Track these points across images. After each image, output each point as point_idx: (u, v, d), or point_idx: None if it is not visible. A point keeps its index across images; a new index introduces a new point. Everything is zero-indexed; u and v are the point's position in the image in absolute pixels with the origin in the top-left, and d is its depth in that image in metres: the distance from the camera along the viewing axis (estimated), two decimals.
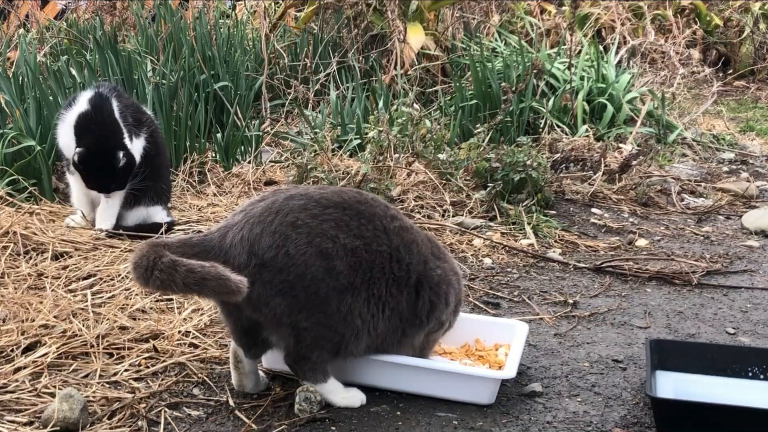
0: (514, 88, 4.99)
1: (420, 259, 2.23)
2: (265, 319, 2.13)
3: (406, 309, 2.22)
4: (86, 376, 2.31)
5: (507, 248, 3.56)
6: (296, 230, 2.08)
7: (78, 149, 3.28)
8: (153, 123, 3.60)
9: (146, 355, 2.43)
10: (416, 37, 5.92)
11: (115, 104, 3.40)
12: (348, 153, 4.69)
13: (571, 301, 3.05)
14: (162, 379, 2.31)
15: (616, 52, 6.17)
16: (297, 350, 2.15)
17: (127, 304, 2.74)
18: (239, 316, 2.17)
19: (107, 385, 2.26)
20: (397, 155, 4.36)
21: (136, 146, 3.46)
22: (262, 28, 6.14)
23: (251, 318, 2.15)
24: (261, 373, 2.31)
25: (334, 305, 2.11)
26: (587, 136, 5.00)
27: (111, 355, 2.43)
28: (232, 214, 2.19)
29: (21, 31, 6.33)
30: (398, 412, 2.19)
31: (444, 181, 4.22)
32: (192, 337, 2.54)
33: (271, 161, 4.74)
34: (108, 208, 3.46)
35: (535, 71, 5.26)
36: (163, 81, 4.76)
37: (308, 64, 5.86)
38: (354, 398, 2.21)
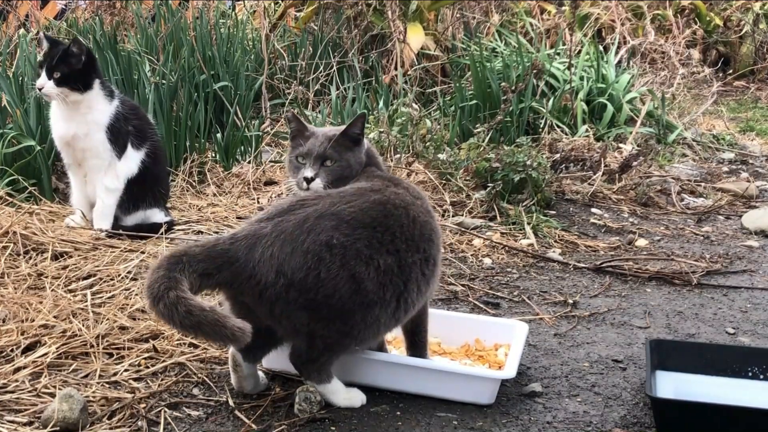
0: (514, 88, 4.99)
1: (438, 243, 2.26)
2: (284, 330, 2.15)
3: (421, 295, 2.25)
4: (86, 376, 2.31)
5: (507, 248, 3.56)
6: (331, 251, 2.06)
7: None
8: (155, 135, 3.62)
9: (146, 355, 2.43)
10: (416, 37, 5.92)
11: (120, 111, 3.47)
12: None
13: (571, 301, 3.05)
14: (162, 379, 2.31)
15: (616, 52, 6.17)
16: (308, 354, 2.16)
17: (127, 304, 2.73)
18: (248, 320, 2.13)
19: (107, 385, 2.26)
20: (397, 155, 4.36)
21: (136, 158, 3.52)
22: (262, 28, 6.14)
23: (265, 325, 2.14)
24: (260, 374, 2.31)
25: (359, 317, 2.12)
26: (587, 136, 5.00)
27: (111, 355, 2.43)
28: (257, 218, 2.15)
29: (21, 31, 6.32)
30: (398, 412, 2.19)
31: (444, 181, 4.22)
32: (192, 337, 2.54)
33: (271, 161, 4.74)
34: (105, 208, 3.47)
35: (534, 71, 5.26)
36: (163, 81, 4.76)
37: (308, 64, 5.86)
38: (355, 398, 2.21)
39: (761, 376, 2.40)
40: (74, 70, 3.34)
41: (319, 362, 2.16)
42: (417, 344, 2.40)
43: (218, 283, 2.09)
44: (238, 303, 2.15)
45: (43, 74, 3.32)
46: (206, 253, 2.06)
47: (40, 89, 3.33)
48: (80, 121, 3.39)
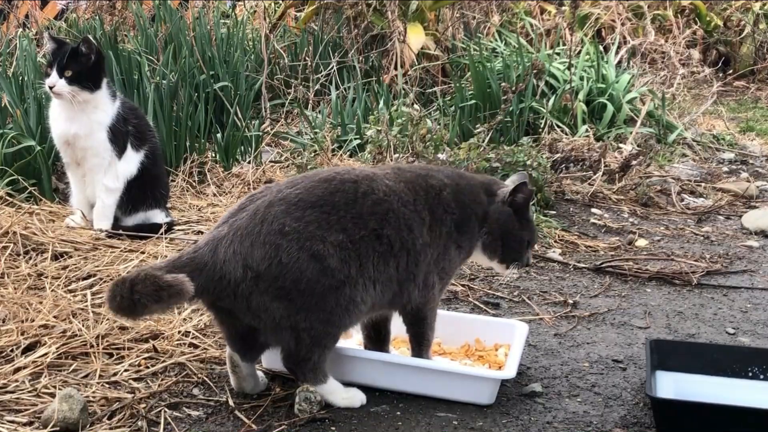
0: (514, 88, 4.99)
1: (399, 224, 2.20)
2: (264, 325, 2.14)
3: (400, 273, 2.22)
4: (86, 376, 2.31)
5: None
6: (285, 238, 2.08)
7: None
8: (154, 136, 3.63)
9: (146, 355, 2.43)
10: (416, 37, 5.92)
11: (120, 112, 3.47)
12: (348, 153, 4.69)
13: (571, 301, 3.05)
14: (162, 379, 2.31)
15: (616, 52, 6.17)
16: (297, 352, 2.15)
17: None
18: (234, 324, 2.18)
19: (107, 385, 2.26)
20: (397, 155, 4.36)
21: (135, 159, 3.52)
22: (262, 28, 6.14)
23: (249, 325, 2.15)
24: (260, 374, 2.31)
25: (332, 301, 2.11)
26: (587, 136, 5.00)
27: (111, 355, 2.43)
28: (216, 226, 2.18)
29: (21, 31, 6.32)
30: (398, 412, 2.19)
31: None
32: (192, 337, 2.54)
33: (271, 161, 4.74)
34: (104, 208, 3.47)
35: (534, 71, 5.26)
36: (163, 81, 4.76)
37: (308, 65, 5.86)
38: (354, 398, 2.21)
39: (761, 376, 2.40)
40: (85, 68, 3.35)
41: (311, 361, 2.15)
42: (414, 341, 2.39)
43: (197, 293, 2.07)
44: (219, 311, 2.17)
45: (54, 73, 3.31)
46: (171, 266, 2.07)
47: (51, 87, 3.32)
48: (83, 120, 3.39)
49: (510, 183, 2.44)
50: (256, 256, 2.07)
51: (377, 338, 2.43)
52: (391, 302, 2.28)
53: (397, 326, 2.42)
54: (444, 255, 2.31)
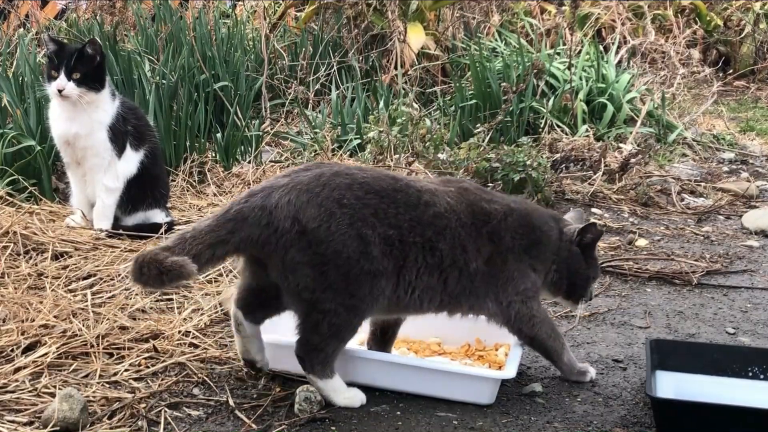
0: (514, 88, 4.99)
1: (454, 243, 2.22)
2: (288, 288, 2.15)
3: (450, 288, 2.24)
4: (86, 376, 2.31)
5: None
6: (341, 209, 2.10)
7: None
8: (154, 136, 3.63)
9: (146, 355, 2.43)
10: (416, 37, 5.92)
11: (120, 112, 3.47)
12: (348, 153, 4.69)
13: None
14: (162, 379, 2.31)
15: (616, 52, 6.17)
16: (311, 339, 2.15)
17: (127, 304, 2.74)
18: (259, 277, 2.20)
19: (107, 385, 2.26)
20: (397, 155, 4.36)
21: (135, 159, 3.52)
22: (262, 28, 6.14)
23: (274, 284, 2.17)
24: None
25: (366, 288, 2.13)
26: (587, 136, 5.00)
27: (111, 355, 2.43)
28: (275, 177, 2.21)
29: (21, 30, 6.32)
30: (398, 412, 2.19)
31: None
32: (192, 337, 2.54)
33: (271, 161, 4.74)
34: (104, 207, 3.47)
35: (535, 71, 5.26)
36: (163, 81, 4.76)
37: (308, 65, 5.86)
38: (355, 398, 2.21)
39: (761, 376, 2.40)
40: (91, 69, 3.35)
41: (324, 352, 2.15)
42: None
43: (235, 247, 2.12)
44: (252, 262, 2.19)
45: (62, 75, 3.31)
46: (216, 222, 2.11)
47: (60, 91, 3.31)
48: (84, 120, 3.39)
49: (570, 219, 2.44)
50: (309, 214, 2.09)
51: (382, 338, 2.44)
52: (445, 309, 2.31)
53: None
54: (521, 278, 2.30)
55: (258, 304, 2.25)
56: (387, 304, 2.22)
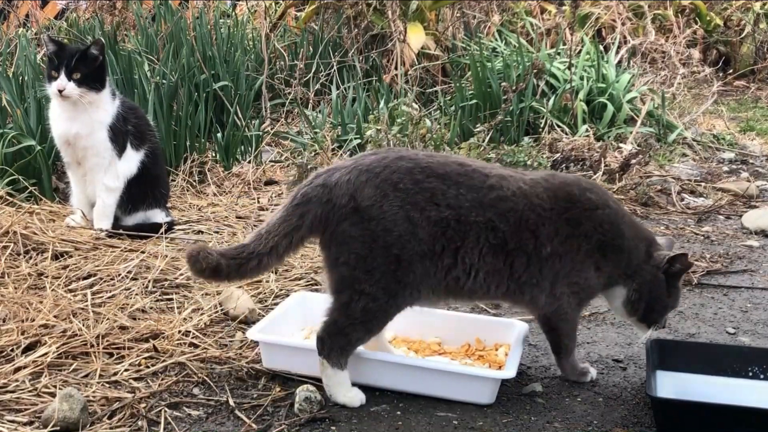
0: (514, 88, 4.99)
1: (520, 225, 2.22)
2: (329, 260, 2.19)
3: (516, 271, 2.25)
4: (86, 376, 2.31)
5: None
6: (395, 191, 2.15)
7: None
8: (154, 136, 3.63)
9: (146, 355, 2.43)
10: (416, 37, 5.92)
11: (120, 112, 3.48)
12: (348, 153, 4.69)
13: None
14: (162, 379, 2.31)
15: (617, 52, 6.17)
16: (339, 320, 2.17)
17: (127, 304, 2.74)
18: None
19: (107, 385, 2.26)
20: None
21: (135, 158, 3.53)
22: (262, 28, 6.15)
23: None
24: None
25: (412, 274, 2.16)
26: (587, 135, 5.00)
27: (111, 355, 2.43)
28: (343, 160, 2.29)
29: (21, 30, 6.33)
30: (398, 412, 2.19)
31: None
32: (192, 337, 2.54)
33: (271, 161, 4.74)
34: (105, 207, 3.48)
35: (535, 71, 5.26)
36: (163, 81, 4.76)
37: (306, 65, 5.86)
38: (354, 398, 2.21)
39: (761, 376, 2.40)
40: (92, 69, 3.36)
41: (347, 338, 2.17)
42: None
43: (308, 229, 2.18)
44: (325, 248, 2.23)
45: (62, 76, 3.31)
46: (286, 211, 2.19)
47: (61, 91, 3.32)
48: (84, 119, 3.39)
49: (663, 246, 2.41)
50: (365, 193, 2.15)
51: None
52: (510, 298, 2.32)
53: (397, 326, 2.42)
54: (579, 270, 2.29)
55: None
56: (443, 289, 2.23)
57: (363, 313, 2.15)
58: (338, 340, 2.17)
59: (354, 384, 2.25)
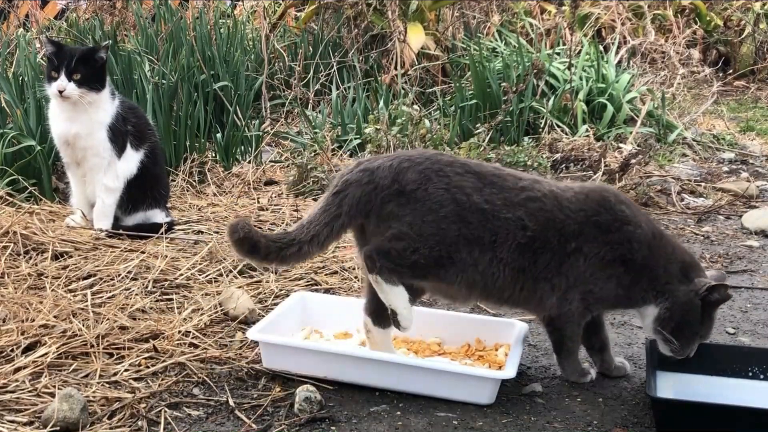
0: (514, 88, 4.99)
1: (548, 225, 2.25)
2: (382, 231, 2.23)
3: (538, 268, 2.27)
4: (86, 376, 2.31)
5: None
6: (438, 175, 2.23)
7: None
8: (154, 136, 3.63)
9: (146, 355, 2.43)
10: (416, 37, 5.92)
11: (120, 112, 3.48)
12: (348, 153, 4.69)
13: None
14: (162, 379, 2.31)
15: (616, 52, 6.18)
16: (388, 247, 2.22)
17: (127, 304, 2.73)
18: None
19: (107, 385, 2.26)
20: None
21: (135, 158, 3.53)
22: (262, 28, 6.15)
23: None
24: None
25: (461, 254, 2.22)
26: (587, 136, 5.00)
27: (111, 355, 2.43)
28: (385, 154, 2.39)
29: (21, 30, 6.32)
30: (398, 412, 2.19)
31: None
32: (192, 337, 2.54)
33: (271, 161, 4.74)
34: (104, 207, 3.48)
35: (535, 71, 5.27)
36: (163, 81, 4.76)
37: (306, 65, 5.86)
38: (408, 317, 2.26)
39: (761, 376, 2.40)
40: (92, 70, 3.36)
41: (393, 261, 2.22)
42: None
43: (348, 215, 2.23)
44: (361, 234, 2.29)
45: (63, 76, 3.31)
46: (326, 201, 2.25)
47: (61, 92, 3.32)
48: (84, 120, 3.39)
49: (711, 277, 2.39)
50: (408, 177, 2.22)
51: (597, 348, 2.45)
52: (524, 300, 2.32)
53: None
54: (597, 278, 2.28)
55: (383, 308, 2.31)
56: (482, 285, 2.26)
57: (417, 260, 2.21)
58: (386, 262, 2.22)
59: (354, 384, 2.26)
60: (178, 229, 3.58)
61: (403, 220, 2.21)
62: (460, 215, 2.21)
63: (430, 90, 5.86)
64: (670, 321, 2.31)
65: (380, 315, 2.34)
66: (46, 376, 2.27)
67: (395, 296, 2.24)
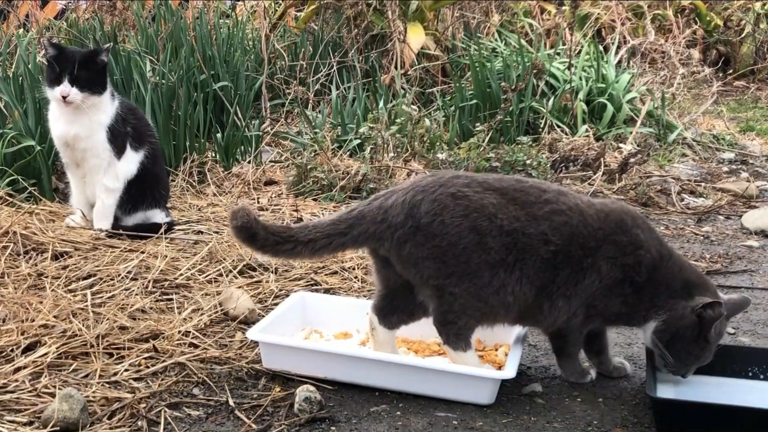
0: (514, 88, 4.99)
1: (572, 239, 2.23)
2: (413, 279, 2.25)
3: (558, 283, 2.25)
4: (86, 376, 2.30)
5: None
6: (455, 200, 2.19)
7: None
8: (154, 136, 3.63)
9: (146, 355, 2.42)
10: (416, 37, 5.93)
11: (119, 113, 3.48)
12: (348, 153, 4.69)
13: None
14: (162, 379, 2.31)
15: (616, 52, 6.18)
16: (442, 313, 2.24)
17: (127, 304, 2.73)
18: (388, 278, 2.31)
19: (107, 385, 2.26)
20: (393, 154, 4.36)
21: (135, 159, 3.53)
22: (262, 28, 6.15)
23: (404, 280, 2.26)
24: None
25: (486, 277, 2.19)
26: (587, 135, 5.00)
27: (111, 355, 2.43)
28: (402, 183, 2.35)
29: (20, 31, 6.33)
30: (398, 412, 2.19)
31: None
32: (192, 337, 2.54)
33: (271, 161, 4.74)
34: (104, 208, 3.48)
35: (534, 71, 5.27)
36: (163, 81, 4.76)
37: (305, 65, 5.86)
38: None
39: (761, 376, 2.40)
40: (94, 73, 3.35)
41: (457, 325, 2.24)
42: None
43: (353, 240, 2.25)
44: (379, 260, 2.30)
45: (66, 81, 3.30)
46: (339, 217, 2.27)
47: (65, 97, 3.31)
48: (83, 121, 3.39)
49: (733, 300, 2.38)
50: (422, 209, 2.19)
51: (595, 351, 2.45)
52: (527, 311, 2.29)
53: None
54: (603, 296, 2.28)
55: (391, 309, 2.34)
56: (517, 307, 2.24)
57: (461, 307, 2.22)
58: (450, 328, 2.25)
59: (354, 384, 2.26)
60: (178, 229, 3.59)
61: (427, 264, 2.19)
62: (480, 243, 2.18)
63: (430, 90, 5.86)
64: (666, 333, 2.29)
65: (387, 315, 2.35)
66: (46, 376, 2.27)
67: (462, 363, 2.26)
